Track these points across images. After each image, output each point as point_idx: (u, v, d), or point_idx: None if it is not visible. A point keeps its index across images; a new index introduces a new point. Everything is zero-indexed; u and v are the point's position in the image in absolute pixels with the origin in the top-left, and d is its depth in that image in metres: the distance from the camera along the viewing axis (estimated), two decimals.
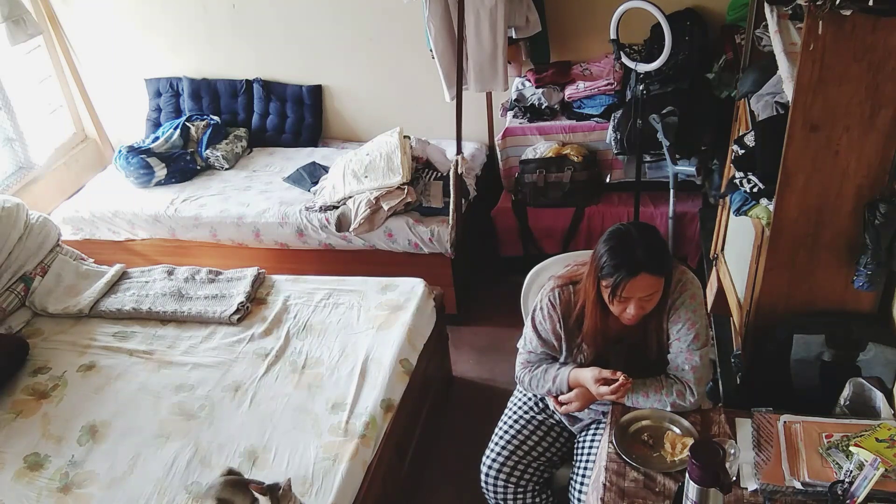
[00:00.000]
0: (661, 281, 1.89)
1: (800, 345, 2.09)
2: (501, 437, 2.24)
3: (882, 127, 1.85)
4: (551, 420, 2.26)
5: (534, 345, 2.15)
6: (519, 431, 2.24)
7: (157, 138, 4.17)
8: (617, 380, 1.94)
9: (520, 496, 2.21)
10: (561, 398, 2.10)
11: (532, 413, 2.27)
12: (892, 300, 2.08)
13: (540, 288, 2.44)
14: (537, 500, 2.23)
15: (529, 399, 2.30)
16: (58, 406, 2.61)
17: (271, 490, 1.97)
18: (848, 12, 1.69)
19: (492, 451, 2.24)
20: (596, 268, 1.92)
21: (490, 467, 2.21)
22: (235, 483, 2.10)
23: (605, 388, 1.96)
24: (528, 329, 2.17)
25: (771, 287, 2.15)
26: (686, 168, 3.27)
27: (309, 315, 2.91)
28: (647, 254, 1.86)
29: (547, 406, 2.27)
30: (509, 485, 2.20)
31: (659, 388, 1.97)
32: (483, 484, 2.23)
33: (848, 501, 1.56)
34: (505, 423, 2.28)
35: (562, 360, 2.14)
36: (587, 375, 2.01)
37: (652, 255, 1.86)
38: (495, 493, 2.22)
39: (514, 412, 2.30)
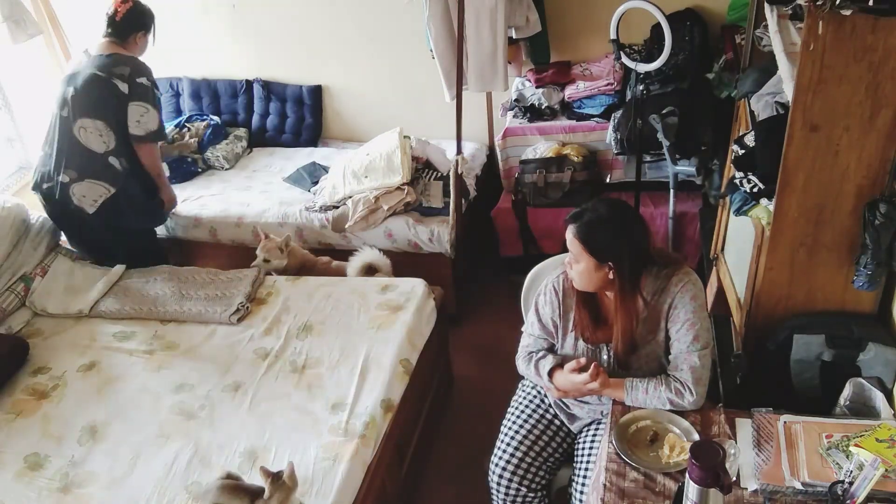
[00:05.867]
0: (583, 251, 1.94)
1: (800, 345, 2.10)
2: (513, 438, 2.21)
3: (882, 127, 1.85)
4: (547, 416, 2.25)
5: (534, 328, 2.18)
6: (530, 431, 2.21)
7: None
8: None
9: (528, 500, 2.18)
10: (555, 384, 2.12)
11: (540, 411, 2.26)
12: (892, 300, 2.08)
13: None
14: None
15: (536, 397, 2.29)
16: (58, 406, 2.61)
17: (275, 477, 1.99)
18: (848, 12, 1.69)
19: (503, 451, 2.20)
20: None
21: (504, 468, 2.17)
22: (232, 488, 2.10)
23: (582, 376, 1.99)
24: (531, 312, 2.20)
25: (771, 287, 2.15)
26: (686, 168, 3.28)
27: (309, 315, 2.91)
28: (585, 217, 1.95)
29: (548, 408, 2.27)
30: (521, 488, 2.16)
31: (657, 386, 1.97)
32: (495, 486, 2.19)
33: (848, 502, 1.56)
34: (513, 422, 2.25)
35: (557, 346, 2.16)
36: (565, 372, 2.06)
37: (587, 219, 1.94)
38: (506, 496, 2.18)
39: (522, 411, 2.27)
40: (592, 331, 2.08)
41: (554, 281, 2.13)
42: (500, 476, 2.18)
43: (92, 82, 3.07)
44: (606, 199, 2.05)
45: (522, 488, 2.17)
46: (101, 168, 3.12)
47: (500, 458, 2.20)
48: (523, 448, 2.19)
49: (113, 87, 3.06)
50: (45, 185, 3.17)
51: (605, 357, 2.09)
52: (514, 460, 2.17)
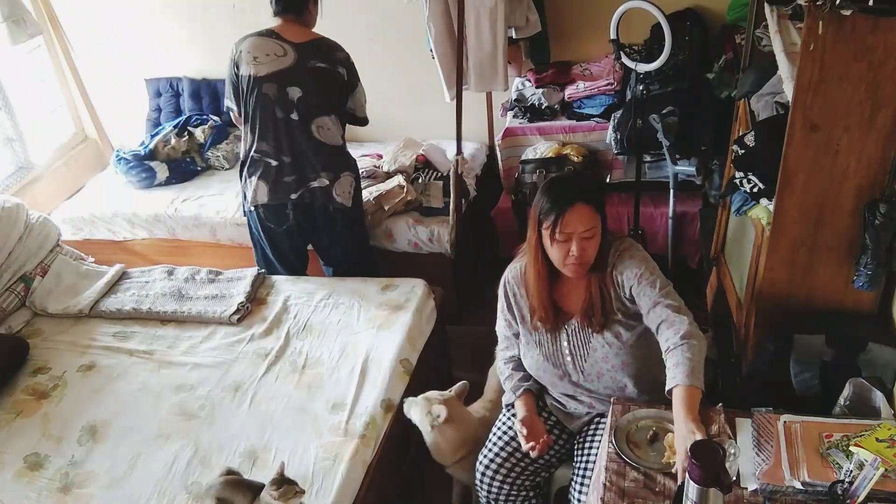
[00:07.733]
0: (597, 216, 1.95)
1: (800, 345, 2.10)
2: (500, 438, 2.24)
3: (882, 127, 1.85)
4: (549, 422, 2.26)
5: (500, 327, 2.27)
6: (516, 434, 2.23)
7: (154, 136, 4.17)
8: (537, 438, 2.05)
9: (511, 499, 2.21)
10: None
11: None
12: (892, 300, 2.08)
13: None
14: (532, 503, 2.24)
15: None
16: (58, 406, 2.60)
17: (286, 482, 2.00)
18: (848, 12, 1.69)
19: (490, 451, 2.23)
20: (536, 215, 1.99)
21: (487, 467, 2.21)
22: (235, 483, 2.11)
23: (526, 444, 2.05)
24: (499, 311, 2.26)
25: (771, 287, 2.15)
26: (686, 168, 3.27)
27: (309, 315, 2.91)
28: (580, 185, 2.00)
29: (545, 407, 2.27)
30: (504, 486, 2.20)
31: (682, 353, 1.83)
32: (478, 483, 2.23)
33: (848, 501, 1.56)
34: (504, 423, 2.28)
35: (521, 339, 2.21)
36: (518, 420, 2.13)
37: (584, 186, 1.99)
38: (489, 492, 2.22)
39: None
40: (553, 318, 2.10)
41: (511, 277, 2.18)
42: (483, 474, 2.22)
43: (321, 78, 2.96)
44: (553, 177, 2.19)
45: (505, 486, 2.20)
46: (345, 159, 3.10)
47: (486, 455, 2.24)
48: (508, 450, 2.21)
49: (338, 76, 3.01)
50: (293, 195, 3.01)
51: (565, 344, 2.11)
52: (499, 459, 2.21)
